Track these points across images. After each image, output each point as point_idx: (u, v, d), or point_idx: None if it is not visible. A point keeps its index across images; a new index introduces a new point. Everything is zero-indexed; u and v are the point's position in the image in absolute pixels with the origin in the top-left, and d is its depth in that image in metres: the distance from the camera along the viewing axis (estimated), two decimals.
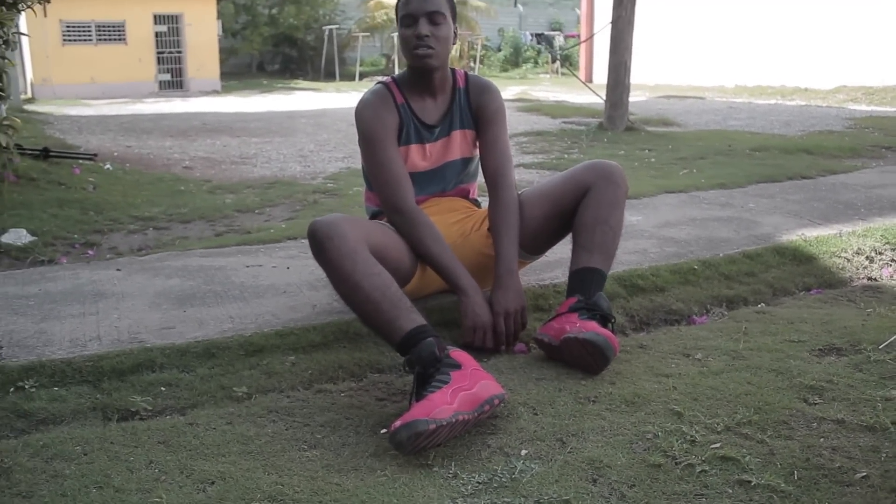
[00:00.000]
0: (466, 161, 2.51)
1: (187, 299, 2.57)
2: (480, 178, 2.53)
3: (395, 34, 21.00)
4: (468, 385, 1.77)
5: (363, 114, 2.34)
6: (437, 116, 2.42)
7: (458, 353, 1.87)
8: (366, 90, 2.43)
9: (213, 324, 2.35)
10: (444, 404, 1.69)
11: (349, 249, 1.95)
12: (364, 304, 1.94)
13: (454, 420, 1.68)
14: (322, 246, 1.97)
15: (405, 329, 1.89)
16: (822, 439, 1.68)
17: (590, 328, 2.05)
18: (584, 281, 2.22)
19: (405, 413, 1.69)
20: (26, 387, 1.98)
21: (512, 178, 2.42)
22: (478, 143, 2.48)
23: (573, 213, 2.33)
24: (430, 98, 2.40)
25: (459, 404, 1.71)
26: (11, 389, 1.97)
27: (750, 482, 1.52)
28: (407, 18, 2.27)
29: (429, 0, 2.27)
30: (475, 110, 2.44)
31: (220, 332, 2.28)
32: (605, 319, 2.14)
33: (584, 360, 2.05)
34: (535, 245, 2.48)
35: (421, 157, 2.42)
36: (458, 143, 2.46)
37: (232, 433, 1.79)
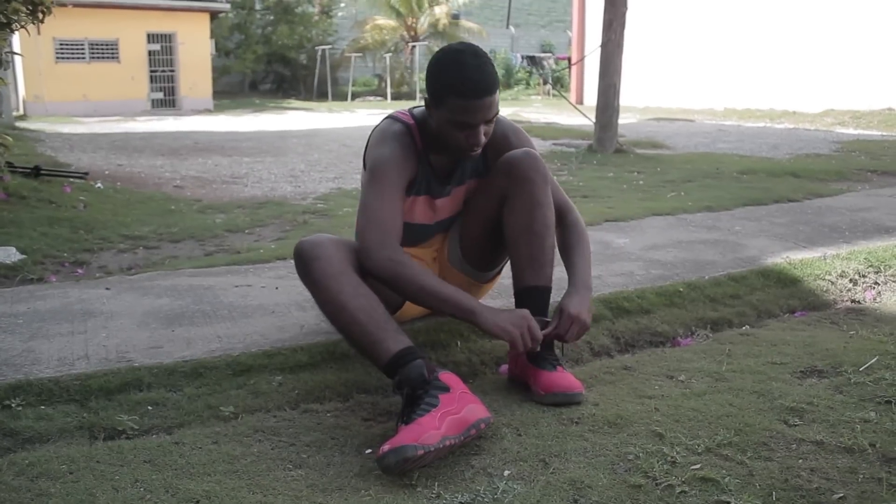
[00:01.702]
0: (460, 213, 2.37)
1: (176, 319, 2.58)
2: None
3: (388, 55, 21.04)
4: (456, 409, 1.78)
5: (381, 153, 2.10)
6: (449, 170, 2.25)
7: (446, 376, 1.88)
8: (385, 122, 2.19)
9: (201, 343, 2.36)
10: (432, 429, 1.71)
11: (335, 271, 1.94)
12: (350, 325, 1.93)
13: (441, 445, 1.70)
14: (308, 267, 1.96)
15: (392, 351, 1.88)
16: (800, 460, 1.71)
17: (544, 385, 2.04)
18: (523, 306, 2.14)
19: (393, 437, 1.70)
20: (13, 405, 1.98)
21: (568, 200, 2.31)
22: None
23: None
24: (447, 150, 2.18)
25: (447, 429, 1.73)
26: None
27: (728, 503, 1.54)
28: (464, 125, 2.01)
29: (492, 106, 2.00)
30: (492, 154, 2.25)
31: (208, 351, 2.30)
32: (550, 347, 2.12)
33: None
34: (483, 262, 2.39)
35: (426, 209, 2.26)
36: (460, 198, 2.32)
37: (218, 452, 1.80)
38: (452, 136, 2.04)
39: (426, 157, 2.18)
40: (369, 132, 2.25)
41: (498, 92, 2.02)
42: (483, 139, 2.04)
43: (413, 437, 1.67)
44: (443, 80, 2.00)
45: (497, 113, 2.06)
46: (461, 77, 1.96)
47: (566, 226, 2.28)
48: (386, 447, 1.67)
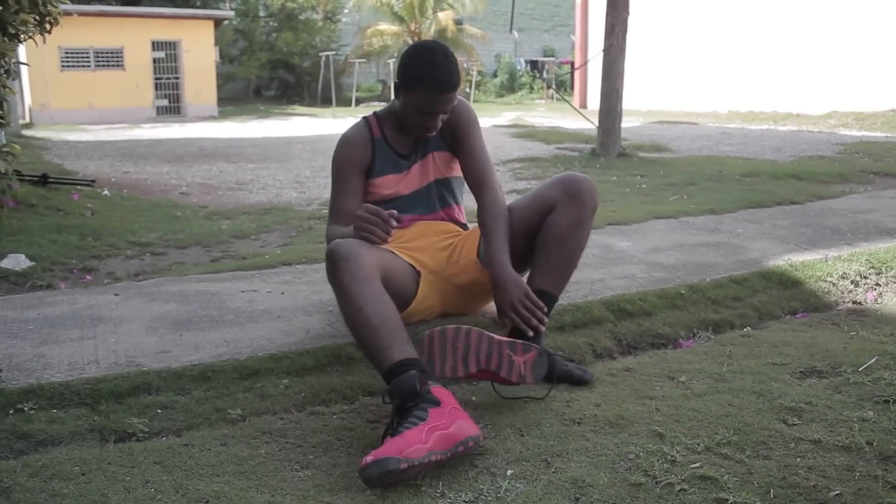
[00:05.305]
0: (443, 181, 2.55)
1: (183, 324, 2.62)
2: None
3: (392, 60, 21.04)
4: (444, 424, 1.76)
5: (336, 150, 2.50)
6: (411, 145, 2.50)
7: (438, 390, 1.86)
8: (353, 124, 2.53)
9: (209, 348, 2.40)
10: (418, 443, 1.69)
11: (362, 276, 1.98)
12: (363, 327, 1.96)
13: (426, 461, 1.69)
14: (337, 267, 2.00)
15: (395, 358, 1.90)
16: (798, 459, 1.74)
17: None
18: None
19: (378, 448, 1.69)
20: (25, 409, 2.02)
21: (495, 180, 2.45)
22: (458, 158, 2.51)
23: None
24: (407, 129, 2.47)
25: (433, 444, 1.71)
26: (11, 411, 2.01)
27: (727, 500, 1.57)
28: (426, 112, 2.31)
29: (452, 100, 2.32)
30: (445, 130, 2.47)
31: (216, 355, 2.33)
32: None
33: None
34: (513, 263, 2.42)
35: (399, 183, 2.49)
36: (433, 165, 2.52)
37: (226, 454, 1.84)
38: (413, 119, 2.36)
39: (384, 138, 2.49)
40: None
41: (458, 88, 2.33)
42: (438, 125, 2.37)
43: (397, 449, 1.66)
44: (415, 73, 2.28)
45: (454, 105, 2.36)
46: (432, 74, 2.26)
47: (485, 204, 2.40)
48: (369, 458, 1.65)
